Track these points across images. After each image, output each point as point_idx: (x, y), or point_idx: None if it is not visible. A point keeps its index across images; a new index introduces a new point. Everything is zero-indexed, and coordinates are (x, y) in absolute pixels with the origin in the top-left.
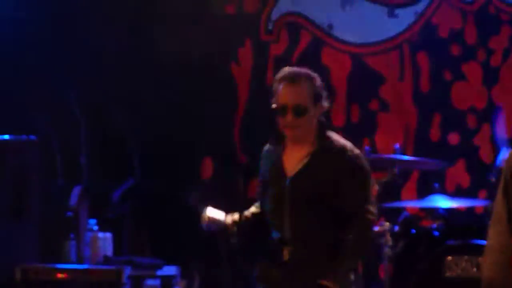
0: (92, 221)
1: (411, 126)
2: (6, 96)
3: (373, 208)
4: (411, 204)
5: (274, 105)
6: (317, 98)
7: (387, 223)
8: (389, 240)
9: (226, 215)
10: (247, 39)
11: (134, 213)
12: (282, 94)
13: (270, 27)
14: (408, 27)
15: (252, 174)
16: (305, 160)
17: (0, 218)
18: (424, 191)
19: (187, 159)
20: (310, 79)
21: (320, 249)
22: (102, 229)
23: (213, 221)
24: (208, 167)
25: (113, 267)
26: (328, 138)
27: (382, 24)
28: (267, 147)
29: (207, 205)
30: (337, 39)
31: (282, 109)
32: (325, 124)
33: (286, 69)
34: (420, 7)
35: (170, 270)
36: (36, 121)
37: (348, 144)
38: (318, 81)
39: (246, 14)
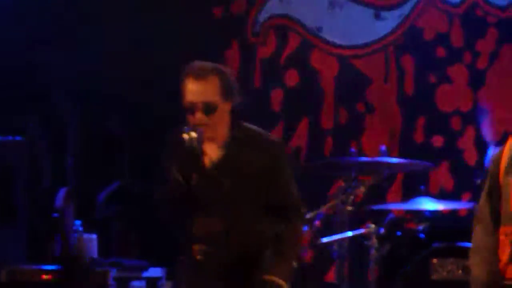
0: (78, 222)
1: (396, 128)
2: None
3: (298, 194)
4: (397, 207)
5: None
6: (228, 93)
7: (373, 225)
8: (375, 242)
9: None
10: (234, 41)
11: (122, 214)
12: (189, 91)
13: (257, 29)
14: (394, 30)
15: None
16: (222, 153)
17: None
18: (409, 194)
19: None
20: (219, 73)
21: (248, 243)
22: (87, 230)
23: None
24: None
25: (98, 269)
26: (243, 127)
27: (369, 26)
28: (174, 138)
29: None
30: (325, 41)
31: (190, 108)
32: (239, 114)
33: (193, 64)
34: (406, 9)
35: (156, 271)
36: (23, 122)
37: (264, 131)
38: (228, 74)
39: (233, 16)
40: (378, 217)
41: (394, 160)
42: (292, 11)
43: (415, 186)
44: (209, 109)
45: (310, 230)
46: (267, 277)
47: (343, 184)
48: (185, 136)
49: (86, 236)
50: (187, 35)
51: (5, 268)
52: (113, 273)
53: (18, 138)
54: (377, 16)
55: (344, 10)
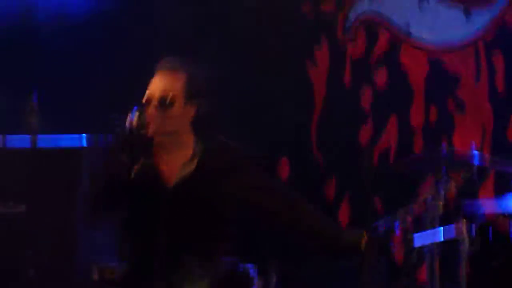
0: None
1: (487, 126)
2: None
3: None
4: (488, 203)
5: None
6: (192, 95)
7: (464, 221)
8: (466, 238)
9: None
10: (324, 39)
11: None
12: (152, 83)
13: (347, 27)
14: (484, 26)
15: (328, 174)
16: (191, 166)
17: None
18: (501, 190)
19: (264, 159)
20: (189, 72)
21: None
22: None
23: None
24: (284, 167)
25: None
26: (213, 139)
27: (458, 23)
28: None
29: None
30: (414, 38)
31: (147, 101)
32: (206, 124)
33: (166, 58)
34: (497, 6)
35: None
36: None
37: (232, 142)
38: (201, 77)
39: (323, 13)
40: (470, 213)
41: (485, 157)
42: (382, 8)
43: (507, 183)
44: (164, 102)
45: (401, 227)
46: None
47: (434, 180)
48: (126, 121)
49: None
50: (275, 33)
51: (97, 265)
52: None
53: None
54: (467, 12)
55: (433, 7)
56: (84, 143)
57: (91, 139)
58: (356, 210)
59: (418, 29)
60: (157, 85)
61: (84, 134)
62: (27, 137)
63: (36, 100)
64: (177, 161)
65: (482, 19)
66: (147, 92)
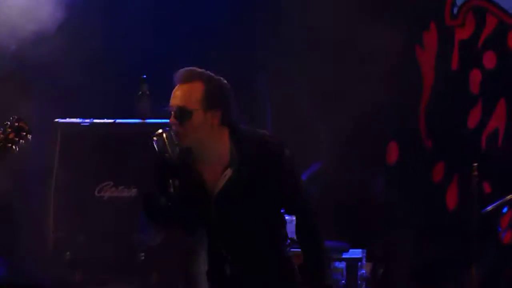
0: None
1: None
2: None
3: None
4: None
5: None
6: (211, 102)
7: None
8: None
9: None
10: (432, 23)
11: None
12: (172, 95)
13: (455, 12)
14: None
15: (437, 158)
16: (230, 171)
17: None
18: None
19: (373, 144)
20: (205, 80)
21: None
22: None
23: None
24: (393, 152)
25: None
26: (241, 137)
27: None
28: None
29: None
30: None
31: (170, 112)
32: (236, 127)
33: (182, 69)
34: None
35: (356, 253)
36: None
37: (265, 133)
38: (219, 83)
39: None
40: None
41: None
42: None
43: None
44: (181, 114)
45: (509, 211)
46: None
47: None
48: (154, 137)
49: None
50: (384, 19)
51: None
52: None
53: None
54: None
55: None
56: None
57: None
58: (464, 193)
59: None
60: (174, 97)
61: None
62: (137, 121)
63: (145, 79)
64: (216, 168)
65: None
66: (170, 105)
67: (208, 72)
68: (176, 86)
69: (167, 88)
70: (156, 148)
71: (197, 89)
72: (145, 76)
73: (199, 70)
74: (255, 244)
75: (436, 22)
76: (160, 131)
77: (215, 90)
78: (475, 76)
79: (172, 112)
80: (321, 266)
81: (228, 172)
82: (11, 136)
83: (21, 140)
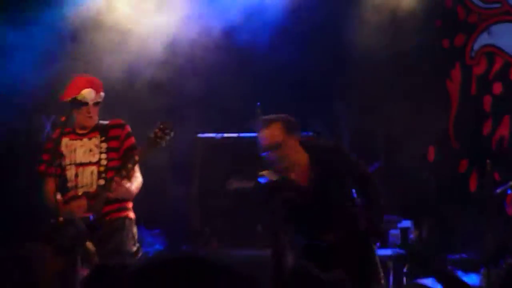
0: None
1: None
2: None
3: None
4: None
5: None
6: (290, 130)
7: None
8: None
9: None
10: (457, 63)
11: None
12: (259, 138)
13: (472, 55)
14: None
15: (462, 156)
16: (310, 172)
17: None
18: None
19: (417, 147)
20: (280, 119)
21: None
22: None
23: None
24: (431, 152)
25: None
26: (311, 147)
27: None
28: (263, 182)
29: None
30: None
31: (263, 150)
32: (305, 141)
33: (263, 117)
34: None
35: (406, 223)
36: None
37: (324, 141)
38: (289, 118)
39: (455, 47)
40: None
41: None
42: (497, 42)
43: None
44: (273, 147)
45: None
46: (373, 230)
47: None
48: (261, 179)
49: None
50: (423, 60)
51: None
52: None
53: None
54: None
55: None
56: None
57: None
58: (481, 180)
59: None
60: (262, 138)
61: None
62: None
63: (260, 106)
64: (301, 170)
65: None
66: (261, 145)
67: (281, 115)
68: (261, 131)
69: (272, 110)
70: (269, 183)
71: (277, 127)
72: (259, 104)
73: (276, 115)
74: (339, 218)
75: (460, 62)
76: (265, 172)
77: (289, 123)
78: (487, 99)
79: (265, 148)
80: (377, 216)
81: (312, 174)
82: (159, 133)
83: (166, 136)
